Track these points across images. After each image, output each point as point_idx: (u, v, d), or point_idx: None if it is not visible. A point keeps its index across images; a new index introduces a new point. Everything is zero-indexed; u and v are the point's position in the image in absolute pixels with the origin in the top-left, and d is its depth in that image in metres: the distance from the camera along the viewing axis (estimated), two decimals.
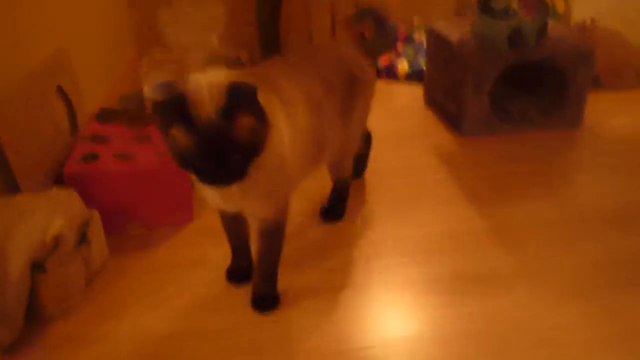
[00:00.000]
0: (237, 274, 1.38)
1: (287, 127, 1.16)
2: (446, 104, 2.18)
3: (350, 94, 1.38)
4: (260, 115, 1.01)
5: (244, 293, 1.33)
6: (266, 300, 1.29)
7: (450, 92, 2.13)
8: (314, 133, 1.26)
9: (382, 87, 2.55)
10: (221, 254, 1.42)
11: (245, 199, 1.15)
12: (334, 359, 1.16)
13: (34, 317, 1.24)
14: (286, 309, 1.29)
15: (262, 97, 1.03)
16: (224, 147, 0.97)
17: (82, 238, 1.35)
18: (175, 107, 0.97)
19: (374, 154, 1.81)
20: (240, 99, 0.98)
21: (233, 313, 1.29)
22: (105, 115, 1.78)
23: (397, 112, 2.35)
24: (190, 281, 1.39)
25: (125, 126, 1.72)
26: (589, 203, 1.67)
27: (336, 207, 1.61)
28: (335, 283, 1.38)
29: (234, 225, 1.33)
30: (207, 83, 0.99)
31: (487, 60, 1.95)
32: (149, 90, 2.22)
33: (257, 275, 1.30)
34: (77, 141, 1.65)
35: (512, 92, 2.17)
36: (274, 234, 1.25)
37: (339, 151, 1.45)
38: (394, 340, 1.21)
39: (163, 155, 1.55)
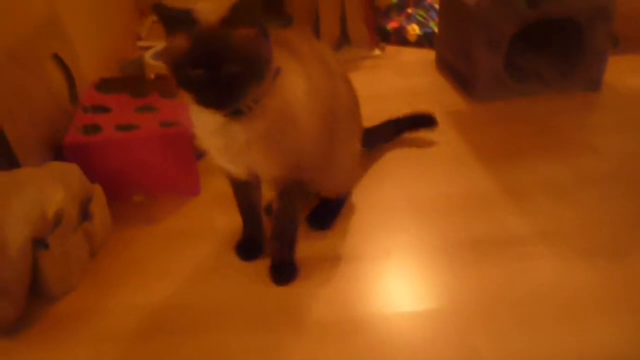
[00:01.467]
0: (248, 247, 1.33)
1: (304, 78, 1.14)
2: (458, 65, 2.10)
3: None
4: (263, 31, 1.00)
5: (250, 265, 1.30)
6: (284, 270, 1.26)
7: (462, 52, 2.05)
8: (327, 94, 1.21)
9: (392, 53, 2.48)
10: (228, 226, 1.39)
11: (251, 150, 1.09)
12: (344, 330, 1.13)
13: (38, 294, 1.22)
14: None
15: (276, 51, 1.03)
16: (219, 53, 0.96)
17: (85, 215, 1.32)
18: (180, 16, 0.98)
19: (383, 115, 1.74)
20: (244, 11, 0.98)
21: (239, 284, 1.25)
22: (105, 85, 1.72)
23: (408, 75, 2.27)
24: (196, 252, 1.36)
25: (126, 96, 1.66)
26: (606, 165, 1.61)
27: (325, 217, 1.43)
28: (345, 251, 1.34)
29: (245, 190, 1.28)
30: (215, 3, 1.00)
31: (503, 18, 1.86)
32: (150, 56, 2.15)
33: (274, 240, 1.26)
34: (77, 112, 1.60)
35: (527, 51, 2.08)
36: (290, 195, 1.20)
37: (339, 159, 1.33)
38: (408, 311, 1.17)
39: (167, 126, 1.50)
